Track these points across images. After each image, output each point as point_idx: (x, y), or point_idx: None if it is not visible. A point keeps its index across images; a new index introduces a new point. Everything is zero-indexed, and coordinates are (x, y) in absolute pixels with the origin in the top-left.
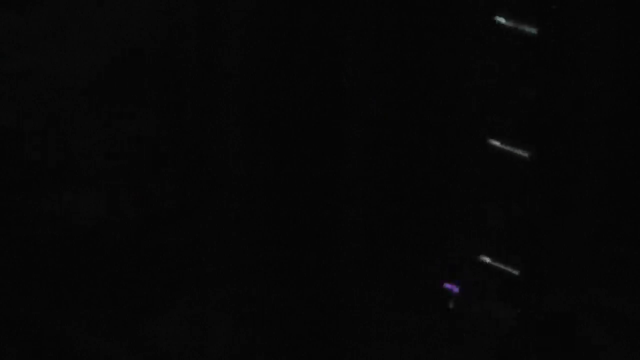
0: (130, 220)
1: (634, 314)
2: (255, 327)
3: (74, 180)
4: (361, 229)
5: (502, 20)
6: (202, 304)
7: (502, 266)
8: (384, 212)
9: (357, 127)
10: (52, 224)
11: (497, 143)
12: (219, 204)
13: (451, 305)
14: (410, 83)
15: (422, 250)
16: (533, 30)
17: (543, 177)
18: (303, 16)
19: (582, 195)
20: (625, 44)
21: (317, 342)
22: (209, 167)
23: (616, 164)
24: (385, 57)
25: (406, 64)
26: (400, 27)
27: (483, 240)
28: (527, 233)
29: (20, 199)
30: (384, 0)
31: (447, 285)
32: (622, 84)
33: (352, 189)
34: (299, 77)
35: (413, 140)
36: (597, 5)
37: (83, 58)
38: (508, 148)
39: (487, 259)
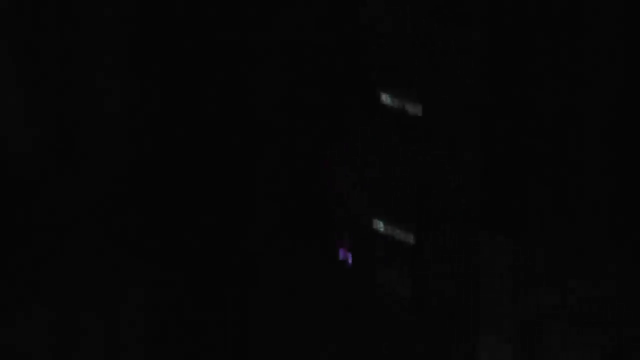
0: None
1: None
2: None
3: None
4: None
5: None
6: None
7: (396, 232)
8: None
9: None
10: None
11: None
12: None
13: (345, 275)
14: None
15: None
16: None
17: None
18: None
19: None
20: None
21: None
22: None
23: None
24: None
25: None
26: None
27: (376, 205)
28: (422, 197)
29: None
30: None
31: (341, 253)
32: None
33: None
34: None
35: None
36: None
37: None
38: (398, 104)
39: (381, 225)
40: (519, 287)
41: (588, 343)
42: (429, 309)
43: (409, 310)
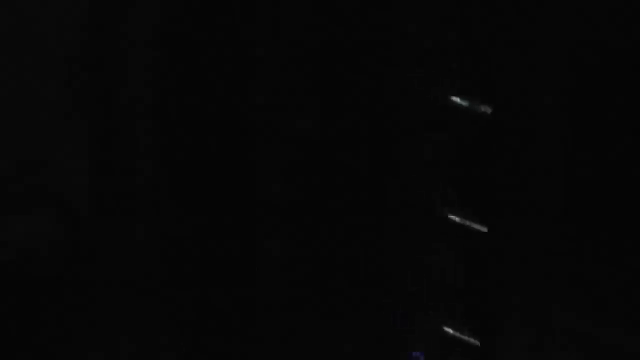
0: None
1: (602, 336)
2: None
3: None
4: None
5: (457, 99)
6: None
7: (464, 337)
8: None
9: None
10: None
11: (455, 218)
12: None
13: None
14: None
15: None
16: (488, 110)
17: (494, 249)
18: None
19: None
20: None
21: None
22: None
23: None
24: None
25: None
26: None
27: (446, 313)
28: (483, 305)
29: None
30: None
31: (414, 354)
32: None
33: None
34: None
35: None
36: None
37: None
38: (459, 220)
39: (450, 330)
40: None
41: None
42: None
43: None
